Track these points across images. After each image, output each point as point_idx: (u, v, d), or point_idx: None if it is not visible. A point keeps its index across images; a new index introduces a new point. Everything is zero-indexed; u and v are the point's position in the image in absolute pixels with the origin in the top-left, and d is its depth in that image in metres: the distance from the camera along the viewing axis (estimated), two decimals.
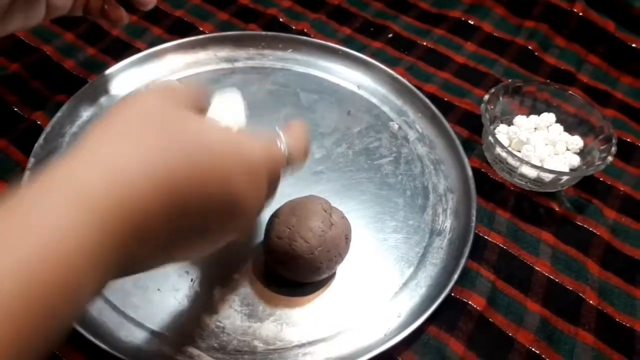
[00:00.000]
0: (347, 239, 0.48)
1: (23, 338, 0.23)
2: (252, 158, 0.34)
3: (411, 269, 0.52)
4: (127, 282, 0.48)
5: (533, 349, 0.48)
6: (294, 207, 0.48)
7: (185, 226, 0.31)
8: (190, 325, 0.46)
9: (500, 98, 0.61)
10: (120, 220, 0.26)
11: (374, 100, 0.66)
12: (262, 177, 0.35)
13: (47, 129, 0.57)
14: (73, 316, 0.27)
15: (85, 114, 0.60)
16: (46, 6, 0.49)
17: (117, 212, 0.26)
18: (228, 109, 0.40)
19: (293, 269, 0.47)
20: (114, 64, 0.63)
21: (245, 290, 0.49)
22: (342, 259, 0.48)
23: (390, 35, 0.74)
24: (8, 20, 0.46)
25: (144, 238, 0.28)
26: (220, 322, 0.47)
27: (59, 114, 0.58)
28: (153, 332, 0.46)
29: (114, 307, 0.47)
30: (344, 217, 0.49)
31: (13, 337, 0.22)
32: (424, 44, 0.74)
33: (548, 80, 0.69)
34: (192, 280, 0.49)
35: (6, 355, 0.22)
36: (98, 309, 0.46)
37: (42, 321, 0.23)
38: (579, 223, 0.57)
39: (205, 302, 0.48)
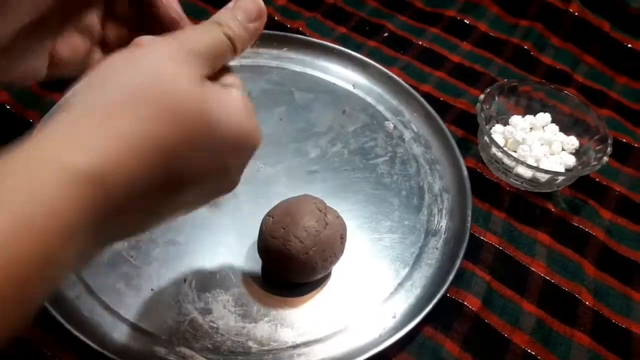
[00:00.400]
0: (342, 238, 0.48)
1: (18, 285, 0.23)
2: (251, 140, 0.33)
3: (406, 270, 0.52)
4: (120, 282, 0.48)
5: (528, 350, 0.48)
6: (288, 207, 0.48)
7: (174, 187, 0.30)
8: (184, 326, 0.46)
9: (496, 98, 0.61)
10: (103, 190, 0.25)
11: (369, 99, 0.65)
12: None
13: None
14: (63, 273, 0.26)
15: None
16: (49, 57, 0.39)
17: (98, 182, 0.25)
18: None
19: (288, 269, 0.46)
20: None
21: (240, 290, 0.48)
22: (337, 259, 0.48)
23: (386, 34, 0.74)
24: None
25: (131, 205, 0.27)
26: (214, 322, 0.46)
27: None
28: (146, 333, 0.45)
29: (107, 307, 0.46)
30: (339, 217, 0.49)
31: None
32: (420, 43, 0.73)
33: (543, 80, 0.69)
34: (185, 280, 0.48)
35: None
36: (91, 309, 0.46)
37: (41, 266, 0.23)
38: (574, 224, 0.57)
39: (199, 302, 0.47)
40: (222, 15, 0.33)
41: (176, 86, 0.28)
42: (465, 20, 0.77)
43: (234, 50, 0.33)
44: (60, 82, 0.38)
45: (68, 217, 0.24)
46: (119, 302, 0.47)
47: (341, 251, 0.48)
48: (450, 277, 0.49)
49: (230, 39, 0.32)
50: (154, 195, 0.28)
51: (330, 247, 0.46)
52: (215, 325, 0.46)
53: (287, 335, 0.46)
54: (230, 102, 0.30)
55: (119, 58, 0.29)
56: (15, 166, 0.24)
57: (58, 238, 0.24)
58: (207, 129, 0.29)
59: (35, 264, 0.23)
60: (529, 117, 0.62)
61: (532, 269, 0.53)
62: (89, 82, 0.28)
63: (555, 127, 0.61)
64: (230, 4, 0.34)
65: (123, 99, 0.27)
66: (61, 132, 0.26)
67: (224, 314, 0.47)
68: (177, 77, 0.28)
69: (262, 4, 0.35)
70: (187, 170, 0.29)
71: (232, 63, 0.62)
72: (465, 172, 0.57)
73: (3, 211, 0.23)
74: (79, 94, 0.28)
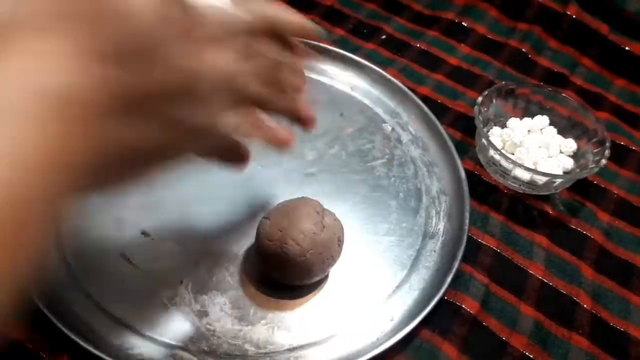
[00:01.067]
0: (340, 241, 0.48)
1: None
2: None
3: (404, 272, 0.51)
4: (116, 284, 0.47)
5: (527, 353, 0.48)
6: (285, 209, 0.47)
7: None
8: (180, 329, 0.46)
9: (494, 100, 0.61)
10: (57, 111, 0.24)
11: (367, 101, 0.65)
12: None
13: None
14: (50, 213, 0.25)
15: None
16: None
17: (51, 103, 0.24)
18: None
19: (284, 271, 0.46)
20: None
21: (237, 293, 0.48)
22: (335, 261, 0.48)
23: (384, 36, 0.74)
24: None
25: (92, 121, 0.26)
26: (210, 325, 0.46)
27: None
28: (142, 335, 0.45)
29: (103, 310, 0.46)
30: (336, 220, 0.48)
31: None
32: (418, 45, 0.73)
33: (541, 83, 0.69)
34: (181, 282, 0.48)
35: None
36: (86, 311, 0.46)
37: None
38: (572, 226, 0.57)
39: (196, 304, 0.47)
40: None
41: None
42: (464, 23, 0.77)
43: None
44: None
45: (42, 150, 0.23)
46: (115, 304, 0.46)
47: (338, 254, 0.48)
48: (448, 280, 0.49)
49: None
50: (117, 115, 0.27)
51: (328, 249, 0.46)
52: (212, 328, 0.46)
53: (284, 338, 0.46)
54: None
55: None
56: None
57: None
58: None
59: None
60: (526, 119, 0.62)
61: (530, 271, 0.53)
62: None
63: (553, 130, 0.61)
64: None
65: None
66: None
67: (220, 317, 0.47)
68: None
69: None
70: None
71: None
72: (463, 175, 0.57)
73: None
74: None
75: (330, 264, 0.47)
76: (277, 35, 0.37)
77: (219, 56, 0.32)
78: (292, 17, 0.37)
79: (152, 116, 0.30)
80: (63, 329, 0.43)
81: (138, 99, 0.28)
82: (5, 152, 0.22)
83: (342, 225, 0.49)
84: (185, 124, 0.32)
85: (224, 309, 0.47)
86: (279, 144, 0.42)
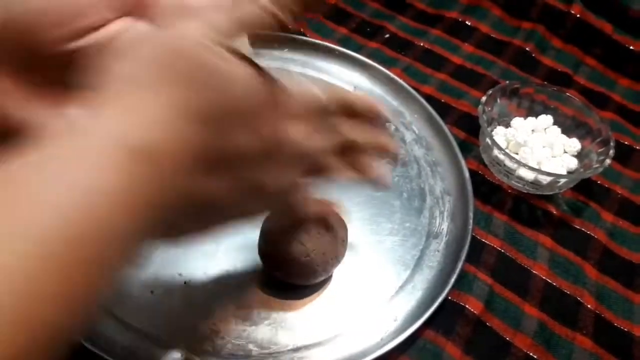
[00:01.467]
0: (344, 241, 0.48)
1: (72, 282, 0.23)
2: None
3: (407, 272, 0.51)
4: (119, 285, 0.47)
5: (530, 354, 0.48)
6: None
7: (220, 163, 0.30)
8: (184, 329, 0.46)
9: (498, 100, 0.61)
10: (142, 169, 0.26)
11: None
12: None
13: None
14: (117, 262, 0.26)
15: None
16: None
17: (140, 160, 0.26)
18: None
19: (288, 271, 0.46)
20: None
21: (240, 293, 0.48)
22: (339, 261, 0.48)
23: (387, 35, 0.74)
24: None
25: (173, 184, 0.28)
26: (214, 325, 0.46)
27: None
28: (146, 335, 0.45)
29: (107, 310, 0.46)
30: (341, 220, 0.48)
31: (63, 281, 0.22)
32: (421, 44, 0.73)
33: (545, 82, 0.69)
34: (185, 283, 0.48)
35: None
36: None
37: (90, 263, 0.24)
38: (576, 226, 0.57)
39: (199, 305, 0.47)
40: None
41: (187, 48, 0.28)
42: (467, 22, 0.77)
43: (274, 19, 0.32)
44: None
45: (125, 194, 0.25)
46: (119, 305, 0.46)
47: (342, 254, 0.48)
48: (452, 280, 0.49)
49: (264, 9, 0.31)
50: (198, 171, 0.29)
51: (332, 249, 0.46)
52: (216, 329, 0.46)
53: (288, 338, 0.46)
54: (239, 68, 0.30)
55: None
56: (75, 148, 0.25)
57: (115, 213, 0.24)
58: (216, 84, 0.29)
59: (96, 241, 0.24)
60: (530, 119, 0.62)
61: (534, 271, 0.53)
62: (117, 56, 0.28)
63: (557, 130, 0.61)
64: None
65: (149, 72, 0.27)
66: (107, 108, 0.26)
67: (224, 317, 0.47)
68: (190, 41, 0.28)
69: None
70: (223, 133, 0.29)
71: None
72: (466, 174, 0.57)
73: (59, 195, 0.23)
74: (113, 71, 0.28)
75: (334, 264, 0.47)
76: (351, 113, 0.39)
77: (298, 129, 0.34)
78: (360, 98, 0.40)
79: (231, 176, 0.31)
80: None
81: (221, 160, 0.30)
82: (85, 186, 0.24)
83: (346, 226, 0.49)
84: (261, 186, 0.34)
85: (228, 309, 0.47)
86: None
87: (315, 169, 0.38)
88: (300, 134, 0.35)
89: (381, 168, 0.42)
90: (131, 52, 0.28)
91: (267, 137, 0.32)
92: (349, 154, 0.40)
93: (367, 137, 0.41)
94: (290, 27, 0.33)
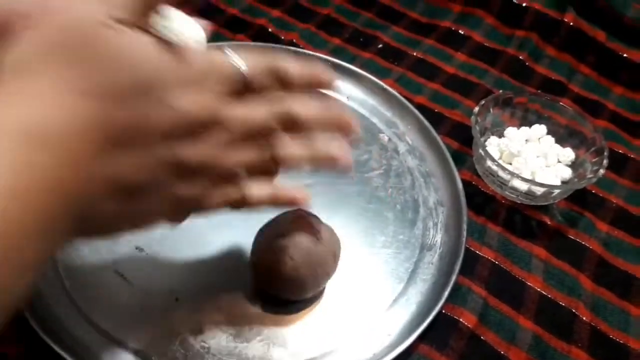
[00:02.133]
0: (336, 256, 0.47)
1: None
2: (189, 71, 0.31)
3: (401, 285, 0.51)
4: (108, 300, 0.47)
5: None
6: (280, 222, 0.47)
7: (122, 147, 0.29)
8: (175, 346, 0.45)
9: (491, 110, 0.60)
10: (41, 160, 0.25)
11: (363, 111, 0.65)
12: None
13: None
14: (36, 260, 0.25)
15: None
16: None
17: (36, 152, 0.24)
18: (187, 23, 0.35)
19: (278, 286, 0.46)
20: None
21: (232, 309, 0.48)
22: (330, 277, 0.47)
23: (380, 45, 0.74)
24: None
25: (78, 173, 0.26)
26: (205, 342, 0.46)
27: None
28: (137, 353, 0.45)
29: (94, 325, 0.45)
30: (333, 234, 0.48)
31: None
32: (414, 54, 0.73)
33: (539, 91, 0.69)
34: (176, 300, 0.47)
35: None
36: (78, 328, 0.45)
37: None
38: (571, 237, 0.56)
39: (190, 321, 0.46)
40: None
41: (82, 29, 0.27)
42: (460, 31, 0.76)
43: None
44: None
45: (30, 189, 0.24)
46: (107, 320, 0.46)
47: (334, 269, 0.47)
48: (446, 293, 0.48)
49: None
50: (113, 150, 0.28)
51: (322, 265, 0.46)
52: (207, 345, 0.45)
53: (280, 355, 0.46)
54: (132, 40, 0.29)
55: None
56: None
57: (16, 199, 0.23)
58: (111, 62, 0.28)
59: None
60: (524, 128, 0.61)
61: (529, 283, 0.52)
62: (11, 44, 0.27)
63: (551, 139, 0.61)
64: None
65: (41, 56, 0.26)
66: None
67: (215, 334, 0.46)
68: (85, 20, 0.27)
69: None
70: (119, 107, 0.28)
71: None
72: (460, 186, 0.56)
73: None
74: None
75: (325, 279, 0.47)
76: (287, 84, 0.37)
77: (209, 97, 0.32)
78: (297, 66, 0.37)
79: (150, 154, 0.30)
80: (54, 346, 0.42)
81: (134, 136, 0.29)
82: None
83: (339, 240, 0.48)
84: (185, 164, 0.32)
85: (219, 326, 0.47)
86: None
87: (247, 145, 0.35)
88: (212, 103, 0.32)
89: (337, 146, 0.38)
90: (22, 36, 0.27)
91: (177, 107, 0.30)
92: (295, 132, 0.37)
93: (314, 111, 0.37)
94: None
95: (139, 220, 0.34)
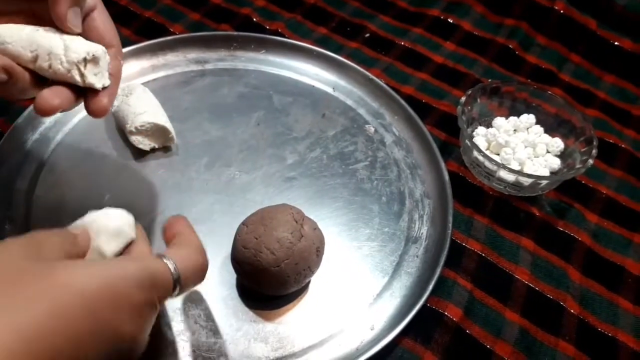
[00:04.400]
0: (319, 251, 0.46)
1: None
2: (129, 296, 0.32)
3: (386, 279, 0.50)
4: None
5: None
6: (263, 216, 0.46)
7: None
8: (153, 342, 0.44)
9: (478, 99, 0.59)
10: None
11: (349, 102, 0.64)
12: (142, 310, 0.33)
13: (7, 135, 0.55)
14: None
15: (48, 120, 0.57)
16: None
17: None
18: (112, 227, 0.37)
19: (259, 280, 0.45)
20: None
21: (212, 303, 0.47)
22: (313, 272, 0.46)
23: (367, 35, 0.72)
24: None
25: None
26: (184, 338, 0.45)
27: (19, 120, 0.56)
28: None
29: None
30: (316, 229, 0.47)
31: None
32: (402, 43, 0.72)
33: (529, 80, 0.67)
34: None
35: None
36: None
37: None
38: (560, 228, 0.55)
39: (168, 317, 0.45)
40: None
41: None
42: (449, 20, 0.75)
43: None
44: None
45: None
46: None
47: (317, 265, 0.46)
48: (430, 287, 0.48)
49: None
50: None
51: (305, 260, 0.45)
52: (186, 341, 0.44)
53: (261, 351, 0.45)
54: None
55: None
56: None
57: None
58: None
59: None
60: (512, 118, 0.60)
61: (516, 276, 0.51)
62: None
63: (539, 129, 0.60)
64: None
65: None
66: None
67: (194, 329, 0.45)
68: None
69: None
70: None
71: (209, 67, 0.61)
72: (446, 177, 0.55)
73: None
74: None
75: (307, 275, 0.46)
76: None
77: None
78: None
79: None
80: None
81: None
82: None
83: (322, 235, 0.47)
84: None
85: (199, 321, 0.46)
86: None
87: None
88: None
89: None
90: None
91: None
92: None
93: None
94: None
95: None
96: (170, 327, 0.45)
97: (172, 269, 0.35)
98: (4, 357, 0.26)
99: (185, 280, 0.36)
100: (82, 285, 0.29)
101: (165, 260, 0.35)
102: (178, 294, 0.36)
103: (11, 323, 0.27)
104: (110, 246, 0.36)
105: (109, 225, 0.37)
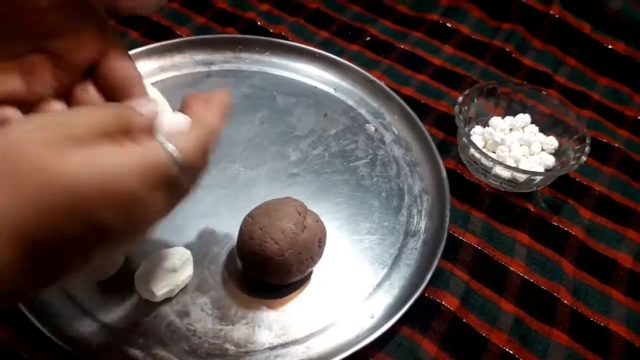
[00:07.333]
0: (321, 242, 0.48)
1: None
2: (124, 186, 0.29)
3: (385, 270, 0.52)
4: (95, 284, 0.48)
5: (507, 349, 0.48)
6: (268, 208, 0.48)
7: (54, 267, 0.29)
8: (161, 328, 0.46)
9: (475, 100, 0.61)
10: None
11: (350, 102, 0.66)
12: (142, 200, 0.30)
13: None
14: None
15: None
16: None
17: None
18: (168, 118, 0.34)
19: (263, 270, 0.46)
20: None
21: (218, 292, 0.49)
22: (315, 262, 0.48)
23: (368, 38, 0.75)
24: None
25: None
26: (191, 325, 0.46)
27: None
28: (123, 335, 0.45)
29: (83, 309, 0.46)
30: (318, 221, 0.49)
31: None
32: (402, 47, 0.74)
33: (525, 82, 0.69)
34: None
35: None
36: (67, 311, 0.46)
37: None
38: (554, 223, 0.57)
39: (177, 304, 0.47)
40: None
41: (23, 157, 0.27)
42: (448, 24, 0.77)
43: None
44: None
45: None
46: (96, 304, 0.47)
47: (319, 255, 0.48)
48: (428, 277, 0.49)
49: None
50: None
51: (308, 250, 0.46)
52: (193, 328, 0.46)
53: (265, 337, 0.47)
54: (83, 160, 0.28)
55: None
56: None
57: None
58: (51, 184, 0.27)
59: None
60: (508, 118, 0.62)
61: (511, 268, 0.53)
62: None
63: (535, 128, 0.61)
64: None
65: None
66: None
67: (201, 317, 0.47)
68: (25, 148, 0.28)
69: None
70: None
71: (215, 68, 0.62)
72: (444, 174, 0.57)
73: None
74: None
75: (310, 265, 0.48)
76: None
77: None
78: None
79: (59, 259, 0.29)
80: (43, 329, 0.43)
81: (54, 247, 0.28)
82: None
83: (324, 227, 0.49)
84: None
85: (205, 309, 0.47)
86: None
87: None
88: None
89: None
90: None
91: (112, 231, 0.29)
92: None
93: None
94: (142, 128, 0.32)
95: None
96: (177, 315, 0.47)
97: (174, 156, 0.32)
98: None
99: (191, 168, 0.33)
100: (70, 178, 0.27)
101: (167, 148, 0.31)
102: (184, 187, 0.33)
103: None
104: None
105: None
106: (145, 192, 0.30)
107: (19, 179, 0.27)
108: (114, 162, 0.29)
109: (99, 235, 0.29)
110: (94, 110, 0.32)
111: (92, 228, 0.28)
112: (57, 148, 0.28)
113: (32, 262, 0.27)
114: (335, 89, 0.66)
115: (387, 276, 0.51)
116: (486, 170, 0.57)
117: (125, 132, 0.31)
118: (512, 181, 0.57)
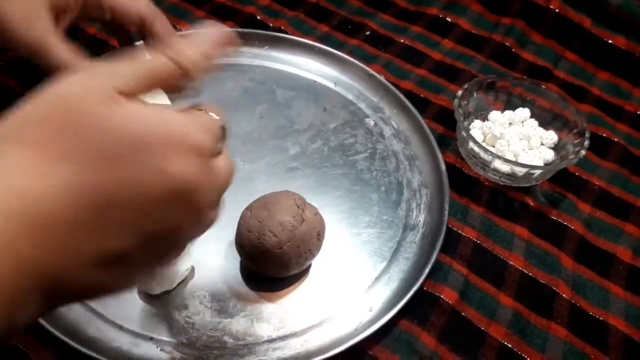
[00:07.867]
0: (320, 235, 0.48)
1: None
2: (184, 133, 0.29)
3: (384, 264, 0.52)
4: None
5: (505, 343, 0.48)
6: (266, 201, 0.48)
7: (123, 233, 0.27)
8: (160, 321, 0.46)
9: (474, 94, 0.61)
10: (28, 238, 0.24)
11: (350, 96, 0.65)
12: (202, 149, 0.30)
13: None
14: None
15: None
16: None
17: (23, 231, 0.24)
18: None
19: (262, 263, 0.46)
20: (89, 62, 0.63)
21: (216, 285, 0.49)
22: (314, 255, 0.48)
23: (368, 32, 0.74)
24: None
25: (65, 252, 0.25)
26: (189, 317, 0.46)
27: None
28: (122, 328, 0.46)
29: (83, 303, 0.46)
30: (317, 214, 0.49)
31: None
32: (401, 41, 0.74)
33: (525, 77, 0.69)
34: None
35: None
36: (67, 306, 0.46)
37: None
38: (553, 217, 0.57)
39: (175, 297, 0.47)
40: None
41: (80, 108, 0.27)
42: (447, 18, 0.77)
43: (185, 74, 0.32)
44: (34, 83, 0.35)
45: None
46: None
47: (318, 248, 0.48)
48: (427, 270, 0.49)
49: (177, 62, 0.31)
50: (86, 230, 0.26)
51: (306, 243, 0.46)
52: (191, 321, 0.46)
53: (264, 330, 0.47)
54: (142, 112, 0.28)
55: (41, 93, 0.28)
56: None
57: None
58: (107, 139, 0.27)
59: None
60: (508, 112, 0.62)
61: (510, 262, 0.53)
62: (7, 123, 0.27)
63: (534, 122, 0.61)
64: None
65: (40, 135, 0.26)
66: None
67: (200, 310, 0.47)
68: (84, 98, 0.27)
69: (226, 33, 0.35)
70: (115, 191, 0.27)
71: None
72: (443, 168, 0.57)
73: None
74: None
75: (308, 258, 0.48)
76: None
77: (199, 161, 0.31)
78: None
79: (135, 218, 0.28)
80: (43, 323, 0.43)
81: (119, 199, 0.27)
82: None
83: (323, 220, 0.49)
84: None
85: (204, 302, 0.47)
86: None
87: None
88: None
89: None
90: (19, 109, 0.27)
91: (174, 174, 0.28)
92: None
93: None
94: (196, 80, 0.33)
95: (123, 283, 0.31)
96: (176, 308, 0.47)
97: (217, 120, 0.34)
98: (58, 208, 0.25)
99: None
100: (132, 127, 0.27)
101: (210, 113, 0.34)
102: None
103: (61, 172, 0.25)
104: None
105: None
106: (200, 139, 0.30)
107: (82, 133, 0.26)
108: (169, 111, 0.30)
109: (172, 188, 0.28)
110: (141, 61, 0.31)
111: (163, 180, 0.28)
112: (114, 100, 0.28)
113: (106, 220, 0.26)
114: (334, 83, 0.66)
115: (386, 269, 0.51)
116: (485, 164, 0.57)
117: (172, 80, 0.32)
118: (511, 175, 0.57)
